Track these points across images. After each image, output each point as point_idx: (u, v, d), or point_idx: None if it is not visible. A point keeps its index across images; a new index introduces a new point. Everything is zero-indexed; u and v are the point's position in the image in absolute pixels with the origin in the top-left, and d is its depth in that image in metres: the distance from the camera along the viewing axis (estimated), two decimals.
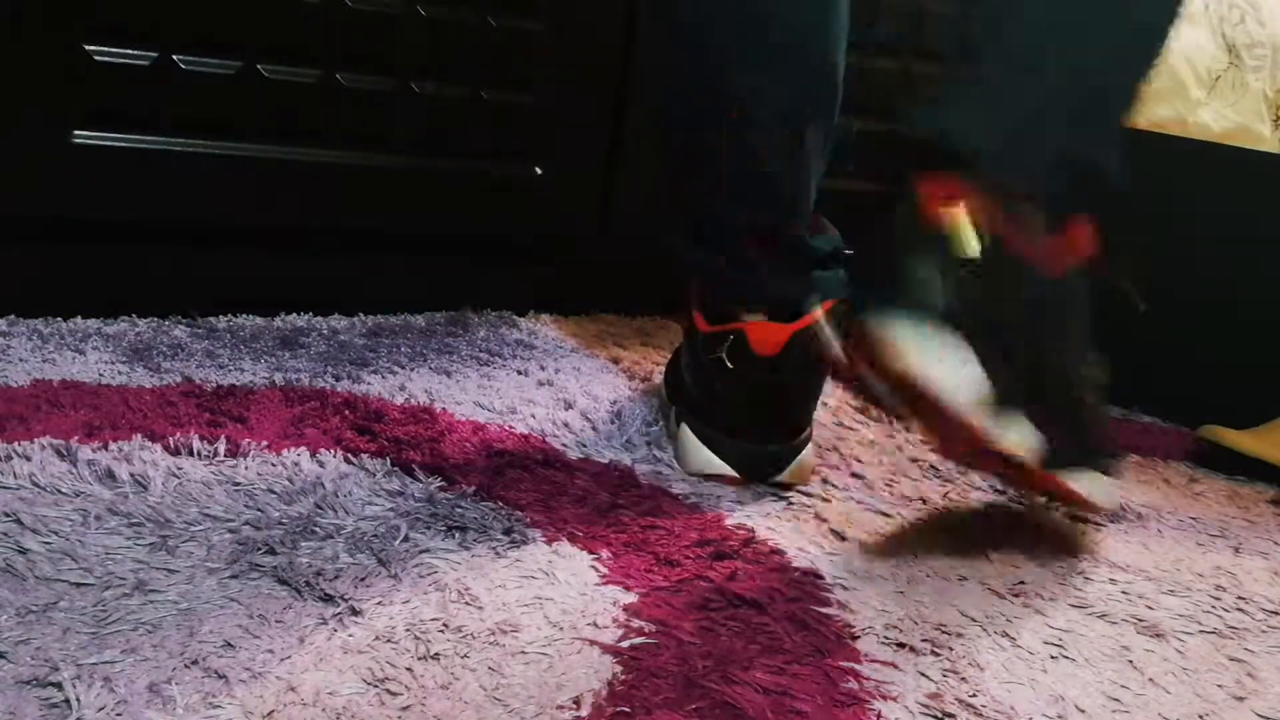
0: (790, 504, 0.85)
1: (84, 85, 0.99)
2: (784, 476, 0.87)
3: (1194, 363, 1.22)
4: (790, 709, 0.58)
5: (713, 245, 0.87)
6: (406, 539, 0.71)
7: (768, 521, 0.81)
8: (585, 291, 1.30)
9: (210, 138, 1.06)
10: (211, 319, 1.08)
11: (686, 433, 0.89)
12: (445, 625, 0.62)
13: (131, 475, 0.73)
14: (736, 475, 0.87)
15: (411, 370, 1.02)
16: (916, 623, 0.70)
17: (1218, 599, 0.79)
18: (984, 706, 0.62)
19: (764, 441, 0.87)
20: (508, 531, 0.74)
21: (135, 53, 1.01)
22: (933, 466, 0.97)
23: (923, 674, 0.64)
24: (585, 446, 0.90)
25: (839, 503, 0.87)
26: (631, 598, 0.68)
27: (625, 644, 0.63)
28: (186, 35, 1.03)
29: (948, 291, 0.72)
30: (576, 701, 0.57)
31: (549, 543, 0.73)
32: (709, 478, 0.87)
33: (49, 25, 0.97)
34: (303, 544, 0.68)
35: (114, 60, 1.00)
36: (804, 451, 0.88)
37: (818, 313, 0.86)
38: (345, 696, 0.55)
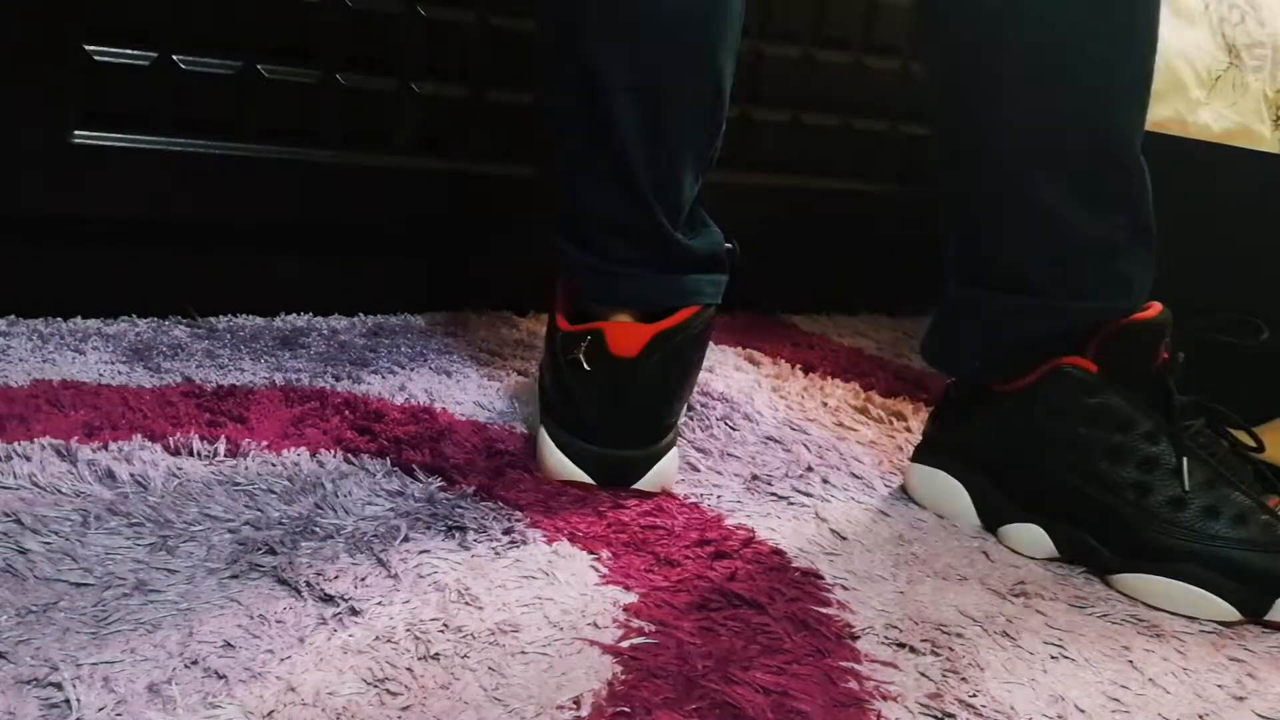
0: (790, 504, 0.85)
1: (84, 85, 0.99)
2: (642, 484, 0.83)
3: (1194, 363, 1.21)
4: (790, 709, 0.58)
5: (580, 239, 0.85)
6: (406, 539, 0.71)
7: (768, 521, 0.81)
8: None
9: (210, 138, 1.06)
10: (211, 319, 1.08)
11: (543, 436, 0.84)
12: (445, 625, 0.62)
13: (131, 475, 0.73)
14: (592, 482, 0.82)
15: (411, 370, 1.02)
16: (916, 623, 0.70)
17: None
18: (984, 706, 0.62)
19: (620, 447, 0.82)
20: (508, 531, 0.74)
21: (135, 53, 1.01)
22: None
23: (923, 674, 0.64)
24: None
25: (839, 503, 0.87)
26: (631, 598, 0.68)
27: (625, 644, 0.63)
28: (186, 35, 1.03)
29: None
30: (576, 701, 0.57)
31: (549, 543, 0.73)
32: (567, 484, 0.83)
33: (49, 25, 0.97)
34: (303, 544, 0.68)
35: (114, 60, 1.00)
36: (665, 458, 0.83)
37: (682, 315, 0.82)
38: (345, 696, 0.55)
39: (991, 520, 0.85)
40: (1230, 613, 0.75)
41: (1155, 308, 0.83)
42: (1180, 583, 0.76)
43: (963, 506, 0.86)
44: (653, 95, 0.81)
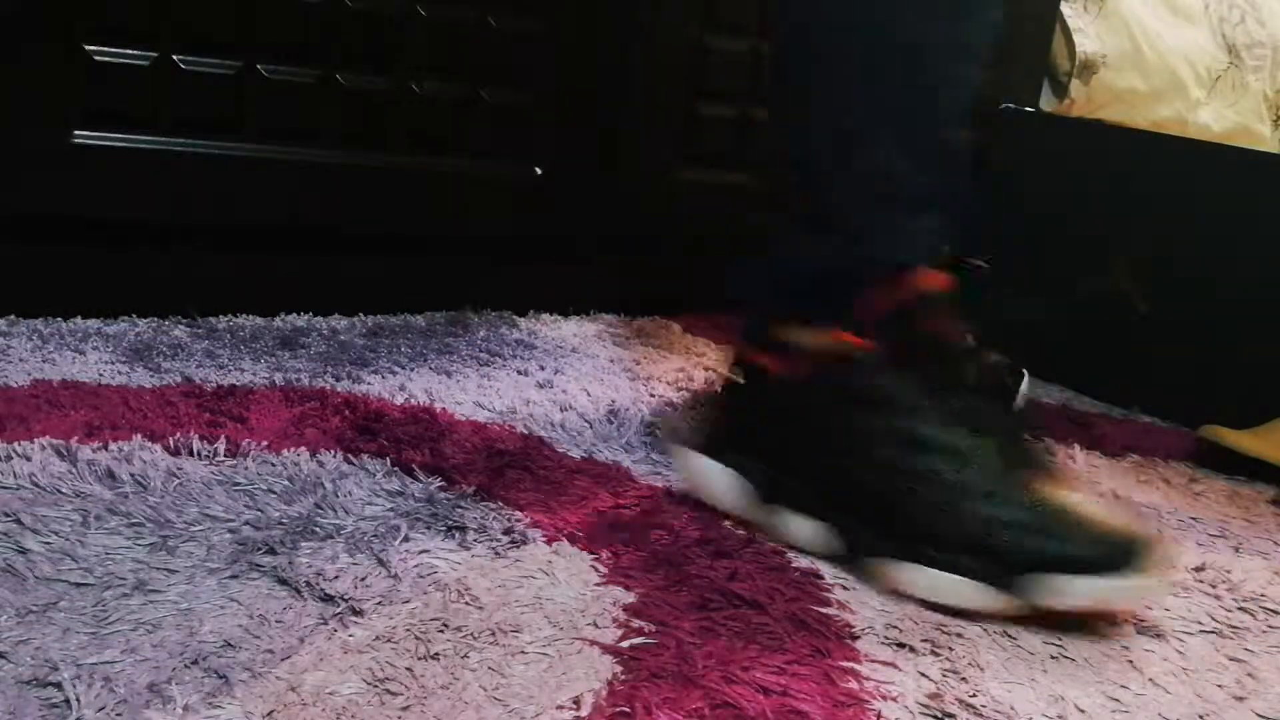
0: None
1: (84, 85, 0.99)
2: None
3: (1194, 363, 1.22)
4: (790, 709, 0.58)
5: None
6: (406, 539, 0.71)
7: None
8: (585, 291, 1.30)
9: (210, 138, 1.06)
10: (211, 319, 1.09)
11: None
12: (445, 625, 0.62)
13: (131, 475, 0.73)
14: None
15: (411, 370, 1.02)
16: (916, 623, 0.70)
17: (1218, 599, 0.79)
18: (984, 706, 0.62)
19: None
20: (508, 531, 0.74)
21: (135, 53, 1.01)
22: None
23: (923, 674, 0.64)
24: (585, 447, 0.90)
25: None
26: (631, 598, 0.68)
27: (625, 644, 0.63)
28: (186, 35, 1.03)
29: None
30: (576, 701, 0.57)
31: (549, 543, 0.73)
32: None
33: (49, 25, 0.97)
34: (303, 544, 0.68)
35: (114, 60, 1.00)
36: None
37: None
38: (345, 696, 0.55)
39: (768, 511, 0.79)
40: (1001, 600, 0.71)
41: (934, 277, 0.79)
42: (948, 574, 0.72)
43: (737, 496, 0.81)
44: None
